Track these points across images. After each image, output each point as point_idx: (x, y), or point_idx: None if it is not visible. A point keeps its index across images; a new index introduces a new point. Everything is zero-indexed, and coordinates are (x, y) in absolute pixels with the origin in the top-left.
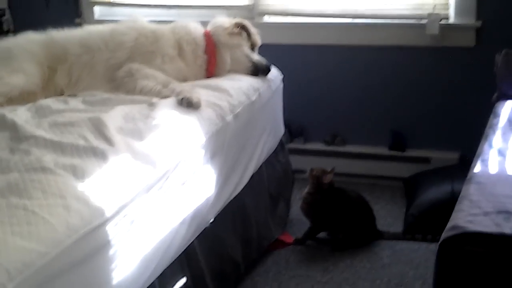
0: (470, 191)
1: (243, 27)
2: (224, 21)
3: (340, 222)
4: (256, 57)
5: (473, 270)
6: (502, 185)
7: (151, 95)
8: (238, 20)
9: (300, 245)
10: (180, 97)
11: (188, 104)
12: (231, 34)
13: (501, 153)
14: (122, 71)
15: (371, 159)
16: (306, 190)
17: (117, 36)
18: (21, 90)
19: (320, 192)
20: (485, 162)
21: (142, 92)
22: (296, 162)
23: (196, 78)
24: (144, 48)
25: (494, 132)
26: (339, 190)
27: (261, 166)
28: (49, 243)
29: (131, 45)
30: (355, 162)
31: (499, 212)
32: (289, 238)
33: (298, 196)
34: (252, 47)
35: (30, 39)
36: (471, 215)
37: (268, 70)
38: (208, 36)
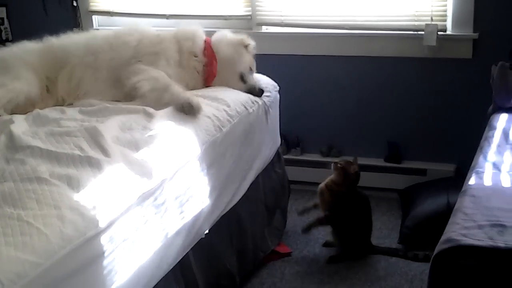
0: (464, 203)
1: (247, 46)
2: (229, 36)
3: (348, 220)
4: (251, 80)
5: (467, 284)
6: (497, 198)
7: (152, 97)
8: (245, 40)
9: (306, 232)
10: (180, 102)
11: (189, 108)
12: (234, 51)
13: (496, 166)
14: (127, 70)
15: (367, 170)
16: (331, 177)
17: (121, 36)
18: (26, 95)
19: (346, 184)
20: (480, 175)
21: (144, 95)
22: (293, 173)
23: (195, 87)
24: (148, 49)
25: (489, 145)
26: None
27: (257, 177)
28: (43, 253)
29: (135, 45)
30: None
31: (493, 225)
32: (285, 249)
33: (294, 207)
34: (250, 68)
35: (26, 48)
36: (465, 228)
37: (261, 94)
38: (209, 46)
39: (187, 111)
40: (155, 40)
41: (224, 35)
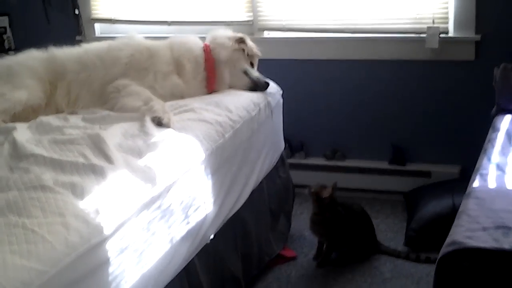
0: (469, 206)
1: (242, 41)
2: (224, 35)
3: (349, 236)
4: (255, 73)
5: (472, 286)
6: (501, 200)
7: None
8: (238, 35)
9: (323, 267)
10: (153, 115)
11: (158, 123)
12: (233, 50)
13: (500, 167)
14: (111, 86)
15: (371, 173)
16: (312, 211)
17: (113, 52)
18: (24, 105)
19: (324, 209)
20: (484, 177)
21: (121, 110)
22: (297, 177)
23: (196, 94)
24: (138, 65)
25: (493, 147)
26: (344, 204)
27: (261, 181)
28: (48, 261)
29: (126, 61)
30: (355, 176)
31: (498, 227)
32: (290, 253)
33: (299, 211)
34: (252, 63)
35: (31, 56)
36: (470, 231)
37: (267, 86)
38: (207, 52)
39: (158, 124)
40: (146, 54)
41: (221, 40)
